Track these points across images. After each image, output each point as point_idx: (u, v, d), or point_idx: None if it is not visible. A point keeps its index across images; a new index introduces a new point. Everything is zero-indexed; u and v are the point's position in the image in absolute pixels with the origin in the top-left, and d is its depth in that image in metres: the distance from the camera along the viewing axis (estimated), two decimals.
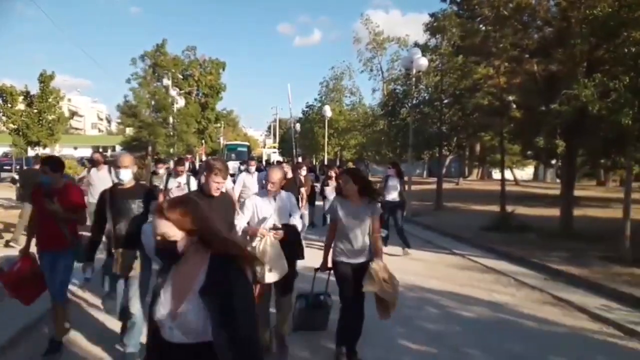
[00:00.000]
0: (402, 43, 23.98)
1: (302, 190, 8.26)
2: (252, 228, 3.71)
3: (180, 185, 6.63)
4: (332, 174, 9.10)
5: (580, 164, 12.70)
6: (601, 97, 7.22)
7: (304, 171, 9.47)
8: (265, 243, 3.56)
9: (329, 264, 3.89)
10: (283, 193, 3.95)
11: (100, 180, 6.98)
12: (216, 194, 3.31)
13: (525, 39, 10.01)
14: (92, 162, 7.50)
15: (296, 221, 3.99)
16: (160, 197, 6.52)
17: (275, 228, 3.66)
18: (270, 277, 3.56)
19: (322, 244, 8.04)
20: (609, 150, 9.60)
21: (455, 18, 13.08)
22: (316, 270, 3.99)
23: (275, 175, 3.82)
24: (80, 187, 4.46)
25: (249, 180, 7.90)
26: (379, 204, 3.81)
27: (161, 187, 6.71)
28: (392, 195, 8.29)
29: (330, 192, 8.76)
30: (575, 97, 7.55)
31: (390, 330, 3.65)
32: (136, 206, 3.58)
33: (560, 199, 10.53)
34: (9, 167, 24.68)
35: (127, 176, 3.61)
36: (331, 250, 3.85)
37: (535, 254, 7.87)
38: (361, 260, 3.66)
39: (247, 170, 8.38)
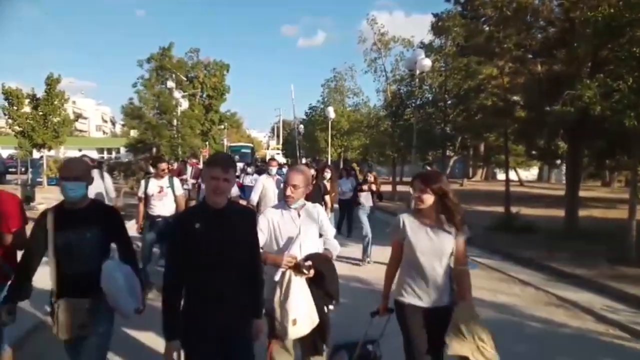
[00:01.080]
0: (407, 44, 23.94)
1: (327, 198, 7.23)
2: (272, 256, 2.67)
3: (163, 189, 5.60)
4: (371, 178, 8.16)
5: (585, 164, 12.67)
6: (605, 97, 7.20)
7: (328, 174, 8.41)
8: (289, 282, 2.54)
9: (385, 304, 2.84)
10: (310, 205, 2.92)
11: (91, 186, 6.46)
12: (218, 202, 2.22)
13: (528, 40, 10.00)
14: None
15: (330, 245, 2.95)
16: (140, 206, 5.66)
17: (299, 269, 2.56)
18: (295, 331, 2.54)
19: (346, 256, 7.80)
20: (614, 150, 9.57)
21: (459, 18, 13.10)
22: (373, 314, 2.91)
23: (296, 176, 2.77)
24: (18, 197, 3.20)
25: (270, 185, 6.55)
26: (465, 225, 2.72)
27: (140, 194, 5.71)
28: None
29: (365, 198, 7.97)
30: (579, 98, 7.53)
31: (394, 331, 3.64)
32: (92, 235, 2.48)
33: (565, 200, 10.50)
34: (14, 169, 24.85)
35: (78, 192, 2.47)
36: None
37: (540, 255, 7.85)
38: (440, 303, 2.61)
39: (267, 172, 6.98)
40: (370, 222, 7.84)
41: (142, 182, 5.78)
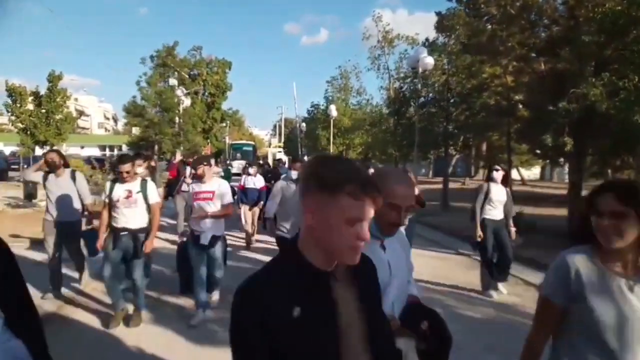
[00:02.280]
0: (411, 41, 23.88)
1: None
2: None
3: (131, 194, 4.37)
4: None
5: (588, 163, 12.64)
6: (610, 96, 7.17)
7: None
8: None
9: None
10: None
11: (61, 189, 5.11)
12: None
13: (532, 38, 9.96)
14: (48, 165, 5.17)
15: (414, 287, 1.95)
16: (104, 214, 4.45)
17: (409, 338, 1.55)
18: None
19: None
20: (618, 150, 9.54)
21: (464, 17, 13.06)
22: None
23: (411, 190, 1.67)
24: None
25: (291, 195, 5.25)
26: None
27: (104, 198, 4.52)
28: (497, 212, 5.79)
29: None
30: (584, 96, 7.50)
31: None
32: None
33: (568, 199, 10.46)
34: (17, 167, 24.92)
35: None
36: None
37: (542, 255, 7.81)
38: None
39: (288, 178, 5.52)
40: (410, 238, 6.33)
41: (108, 183, 4.56)
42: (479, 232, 5.78)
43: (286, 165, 14.80)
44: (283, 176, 8.19)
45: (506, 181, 6.00)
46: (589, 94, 7.25)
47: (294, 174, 5.47)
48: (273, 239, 8.88)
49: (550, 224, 10.29)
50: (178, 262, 5.68)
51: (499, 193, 5.78)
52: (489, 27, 10.96)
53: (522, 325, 4.90)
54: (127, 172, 4.33)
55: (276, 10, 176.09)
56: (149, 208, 4.49)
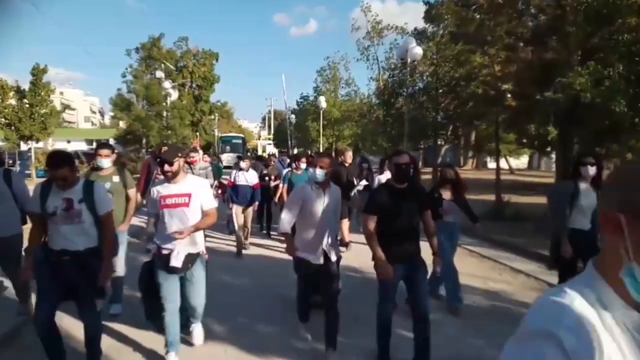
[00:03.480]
0: (400, 31, 23.79)
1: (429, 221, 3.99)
2: None
3: (72, 205, 3.03)
4: (452, 174, 5.09)
5: (575, 151, 12.80)
6: (595, 85, 7.26)
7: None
8: None
9: None
10: None
11: None
12: None
13: (519, 27, 10.02)
14: None
15: None
16: (34, 232, 3.16)
17: None
18: None
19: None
20: (603, 138, 9.68)
21: (452, 6, 13.07)
22: None
23: None
24: None
25: (319, 204, 3.72)
26: None
27: (33, 207, 3.14)
28: (586, 221, 4.18)
29: (451, 209, 5.04)
30: (570, 85, 7.58)
31: None
32: None
33: None
34: (1, 162, 24.49)
35: None
36: None
37: (530, 243, 7.93)
38: None
39: (313, 181, 3.82)
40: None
41: (38, 188, 3.12)
42: (567, 248, 4.17)
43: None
44: (287, 173, 7.35)
45: (599, 181, 4.08)
46: (575, 83, 7.34)
47: (319, 173, 3.70)
48: (270, 243, 8.02)
49: (537, 212, 10.43)
50: (141, 286, 3.69)
51: (589, 196, 4.07)
52: (477, 16, 11.00)
53: (512, 311, 4.99)
54: (64, 180, 2.99)
55: (265, 0, 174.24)
56: (98, 220, 3.14)
